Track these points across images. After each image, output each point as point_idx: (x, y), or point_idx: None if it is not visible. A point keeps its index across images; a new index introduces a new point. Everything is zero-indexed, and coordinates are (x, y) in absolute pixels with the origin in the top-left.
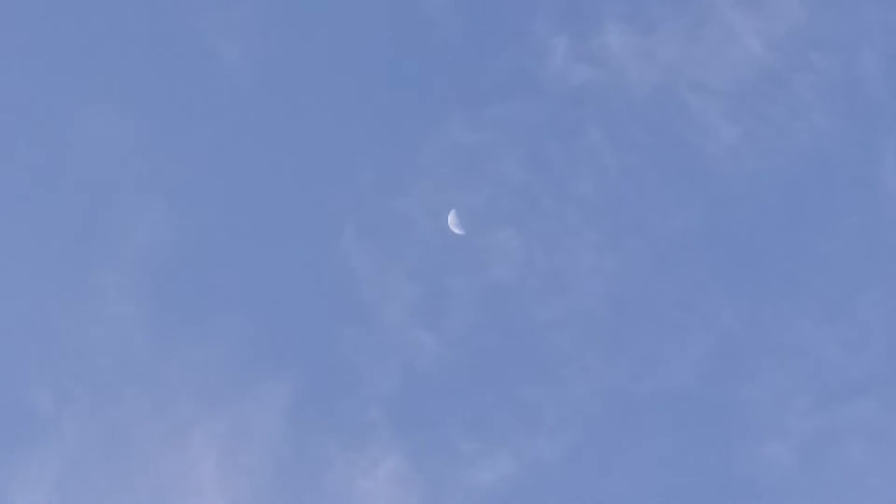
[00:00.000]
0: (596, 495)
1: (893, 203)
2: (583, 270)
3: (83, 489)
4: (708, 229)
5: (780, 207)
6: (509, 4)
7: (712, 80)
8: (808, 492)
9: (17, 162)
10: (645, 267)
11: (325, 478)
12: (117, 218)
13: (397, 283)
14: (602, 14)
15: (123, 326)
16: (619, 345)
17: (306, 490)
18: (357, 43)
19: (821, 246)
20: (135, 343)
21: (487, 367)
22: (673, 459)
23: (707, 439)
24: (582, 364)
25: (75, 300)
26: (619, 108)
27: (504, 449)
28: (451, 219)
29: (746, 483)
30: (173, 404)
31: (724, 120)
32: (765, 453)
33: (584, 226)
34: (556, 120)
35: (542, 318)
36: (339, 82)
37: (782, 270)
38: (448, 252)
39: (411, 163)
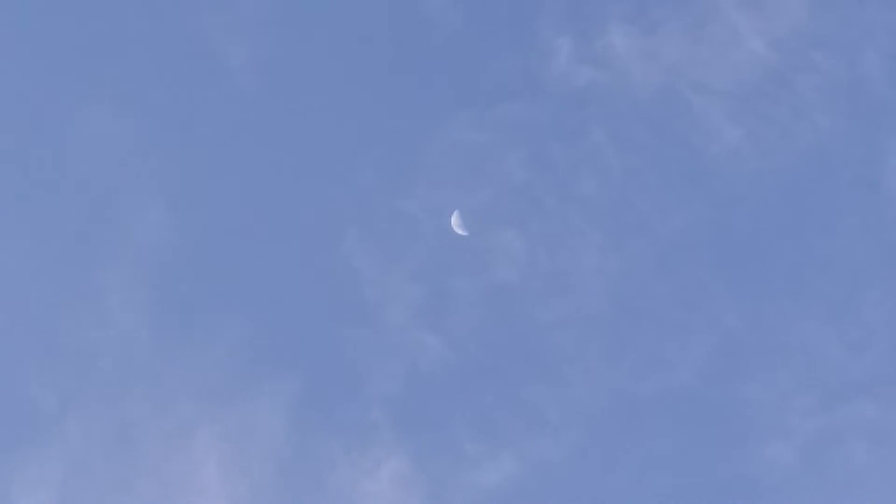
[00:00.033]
0: (599, 495)
1: None
2: (586, 271)
3: (86, 490)
4: (711, 229)
5: (783, 207)
6: (512, 5)
7: (715, 80)
8: (810, 492)
9: (19, 162)
10: (648, 267)
11: (329, 479)
12: (120, 219)
13: (400, 284)
14: (605, 15)
15: (126, 327)
16: (622, 345)
17: (309, 491)
18: (359, 43)
19: (824, 246)
20: (137, 344)
21: (491, 367)
22: (676, 459)
23: (709, 439)
24: (585, 364)
25: (78, 301)
26: (622, 108)
27: (507, 449)
28: (454, 219)
29: (749, 483)
30: (176, 405)
31: (727, 120)
32: (767, 453)
33: (588, 226)
34: (560, 120)
35: (545, 318)
36: (341, 83)
37: (785, 270)
38: (451, 253)
39: (414, 163)
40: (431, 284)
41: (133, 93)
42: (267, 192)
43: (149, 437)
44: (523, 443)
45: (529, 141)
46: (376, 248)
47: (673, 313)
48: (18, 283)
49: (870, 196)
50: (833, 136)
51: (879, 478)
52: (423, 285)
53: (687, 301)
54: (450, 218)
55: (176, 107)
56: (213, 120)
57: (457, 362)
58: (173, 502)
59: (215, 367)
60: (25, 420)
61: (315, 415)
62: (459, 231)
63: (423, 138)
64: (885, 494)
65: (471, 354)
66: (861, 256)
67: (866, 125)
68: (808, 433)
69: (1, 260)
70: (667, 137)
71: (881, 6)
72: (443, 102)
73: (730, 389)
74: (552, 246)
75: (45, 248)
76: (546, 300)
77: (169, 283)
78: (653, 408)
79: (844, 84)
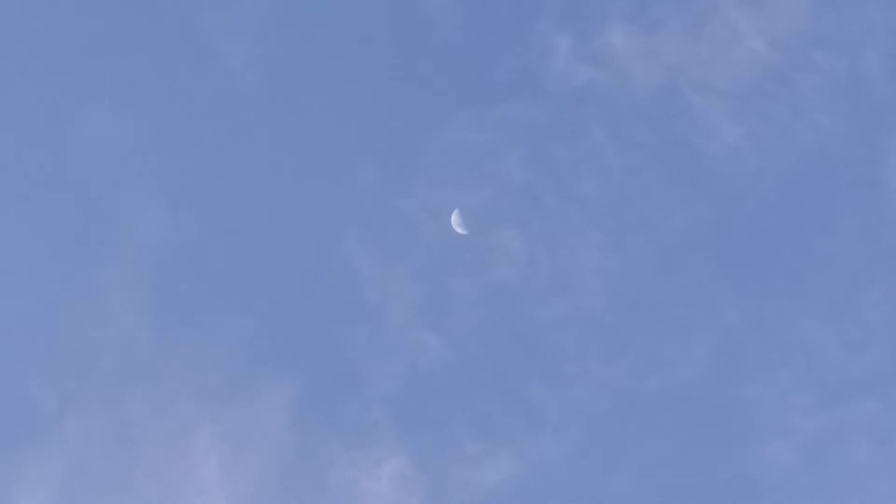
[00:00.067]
0: (600, 495)
1: None
2: (586, 270)
3: (86, 489)
4: (711, 229)
5: (784, 207)
6: (512, 4)
7: (715, 79)
8: (811, 491)
9: (19, 162)
10: (648, 266)
11: (329, 478)
12: (120, 218)
13: (400, 284)
14: (605, 14)
15: (126, 327)
16: (622, 344)
17: (310, 491)
18: (359, 43)
19: (824, 245)
20: (138, 343)
21: (491, 366)
22: (676, 458)
23: (710, 438)
24: (585, 363)
25: (78, 301)
26: (622, 107)
27: (507, 449)
28: (454, 219)
29: (749, 482)
30: (176, 405)
31: (727, 119)
32: (768, 452)
33: (588, 225)
34: (559, 120)
35: (545, 317)
36: (341, 82)
37: (785, 270)
38: (451, 252)
39: (414, 163)
40: (431, 284)
41: (133, 92)
42: (267, 191)
43: (149, 436)
44: (523, 442)
45: (529, 140)
46: (376, 248)
47: (673, 312)
48: (18, 282)
49: (870, 195)
50: (833, 136)
51: (880, 477)
52: (423, 285)
53: (687, 300)
54: (450, 217)
55: (176, 106)
56: (213, 120)
57: (457, 362)
58: (174, 502)
59: (215, 367)
60: (26, 420)
61: (315, 414)
62: (459, 230)
63: (423, 138)
64: (885, 493)
65: (471, 354)
66: (861, 256)
67: (866, 124)
68: (809, 432)
69: (1, 260)
70: (667, 137)
71: (881, 5)
72: (442, 102)
73: (730, 389)
74: (552, 245)
75: (45, 248)
76: (546, 299)
77: (169, 283)
78: (653, 407)
79: (845, 83)
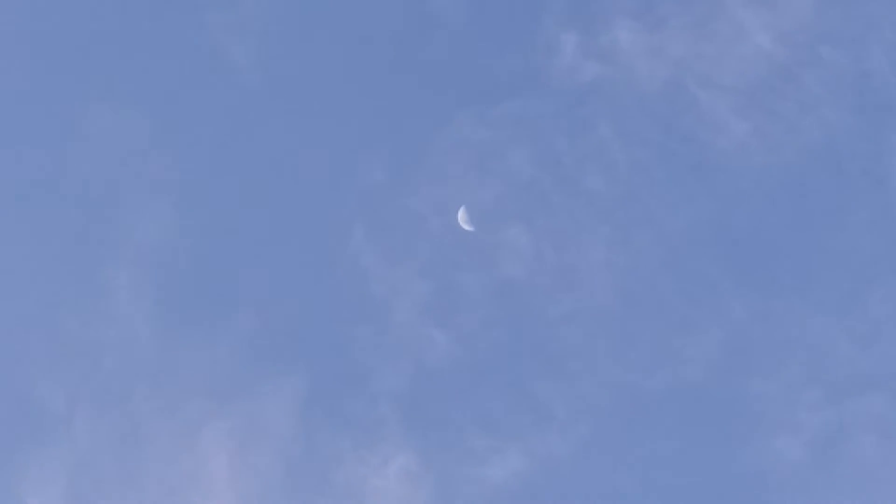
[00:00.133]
0: (607, 490)
1: None
2: (593, 266)
3: (93, 488)
4: (718, 224)
5: (790, 202)
6: (518, 1)
7: (722, 75)
8: (818, 486)
9: (23, 161)
10: (655, 262)
11: (336, 475)
12: (125, 217)
13: (407, 281)
14: (611, 10)
15: (132, 326)
16: (629, 340)
17: (317, 488)
18: (365, 41)
19: (831, 240)
20: (144, 342)
21: (497, 363)
22: (683, 454)
23: (717, 434)
24: (592, 359)
25: (84, 300)
26: (628, 104)
27: (514, 445)
28: (461, 216)
29: (757, 477)
30: (183, 403)
31: (733, 115)
32: (775, 447)
33: (594, 221)
34: (566, 116)
35: (552, 313)
36: (346, 80)
37: (792, 265)
38: (458, 249)
39: (420, 160)
40: (438, 281)
41: (138, 91)
42: (273, 189)
43: (156, 435)
44: (530, 438)
45: (536, 137)
46: (383, 245)
47: (680, 308)
48: (24, 282)
49: (877, 191)
50: (840, 131)
51: (887, 471)
52: (429, 281)
53: (694, 296)
54: (456, 214)
55: (181, 105)
56: (218, 118)
57: (464, 358)
58: (180, 500)
59: (222, 365)
60: (32, 419)
61: (322, 412)
62: (466, 227)
63: (430, 135)
64: (893, 488)
65: (478, 350)
66: (868, 251)
67: (873, 119)
68: (816, 427)
69: (7, 260)
70: (673, 132)
71: (887, 0)
72: (449, 99)
73: (737, 384)
74: (559, 241)
75: (50, 248)
76: (553, 295)
77: (175, 282)
78: (660, 403)
79: (851, 78)
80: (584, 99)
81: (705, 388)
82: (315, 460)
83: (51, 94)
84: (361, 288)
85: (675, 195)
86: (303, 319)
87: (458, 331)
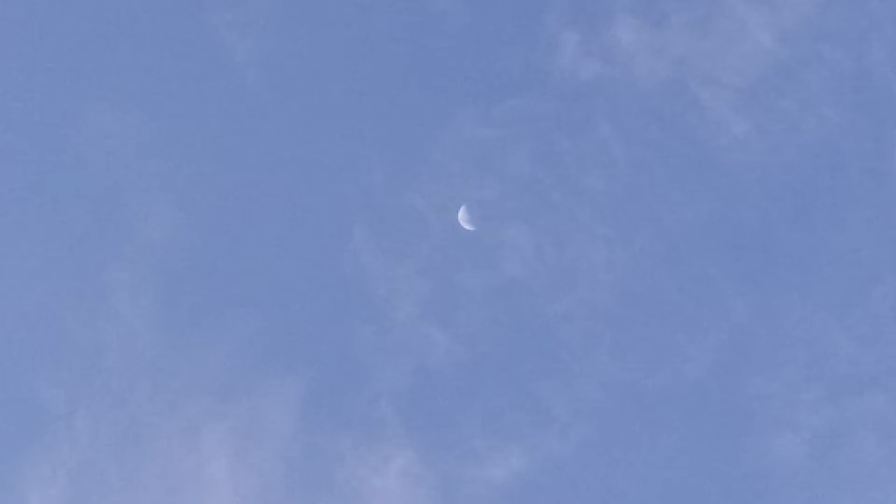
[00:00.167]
0: (609, 490)
1: None
2: (593, 265)
3: (94, 487)
4: (719, 223)
5: (791, 201)
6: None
7: (723, 73)
8: (819, 485)
9: (24, 160)
10: (656, 261)
11: (337, 475)
12: (126, 216)
13: (407, 280)
14: (612, 8)
15: (133, 324)
16: (630, 339)
17: (318, 487)
18: (365, 39)
19: (832, 239)
20: (145, 341)
21: (499, 362)
22: (684, 453)
23: (718, 433)
24: (593, 359)
25: (86, 298)
26: (629, 102)
27: (516, 445)
28: (461, 214)
29: (758, 477)
30: (184, 402)
31: (734, 114)
32: (776, 447)
33: (595, 220)
34: (567, 115)
35: (553, 313)
36: (347, 78)
37: (793, 264)
38: (458, 248)
39: (420, 159)
40: (439, 280)
41: (141, 89)
42: (273, 188)
43: (157, 434)
44: (532, 438)
45: (536, 135)
46: (383, 244)
47: (681, 307)
48: (25, 281)
49: (878, 189)
50: (841, 129)
51: (888, 471)
52: (430, 281)
53: (695, 295)
54: (457, 213)
55: (182, 103)
56: (219, 116)
57: (465, 358)
58: (182, 499)
59: (223, 364)
60: (33, 418)
61: (323, 411)
62: (466, 226)
63: (430, 133)
64: (894, 487)
65: (479, 350)
66: (869, 250)
67: (874, 118)
68: (817, 427)
69: (8, 258)
70: (674, 131)
71: None
72: (449, 97)
73: (738, 383)
74: (560, 240)
75: (51, 247)
76: (554, 295)
77: (176, 281)
78: (661, 402)
79: (852, 77)
80: (584, 97)
81: (706, 387)
82: (315, 460)
83: (51, 92)
84: (362, 287)
85: (676, 194)
86: (303, 319)
87: (458, 330)
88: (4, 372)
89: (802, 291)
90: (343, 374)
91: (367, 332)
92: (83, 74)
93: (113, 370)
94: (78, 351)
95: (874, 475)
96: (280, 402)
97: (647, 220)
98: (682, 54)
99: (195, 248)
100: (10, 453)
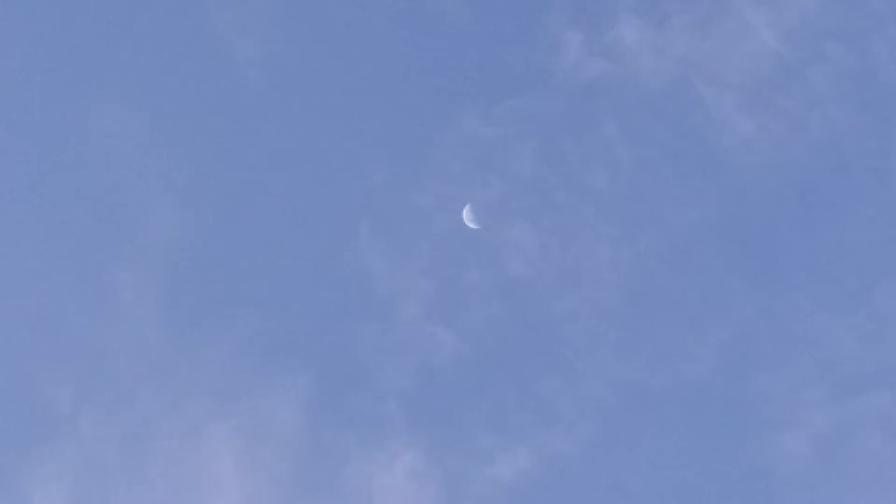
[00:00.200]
0: (614, 489)
1: None
2: (598, 264)
3: (100, 486)
4: (723, 222)
5: (796, 199)
6: None
7: (727, 72)
8: (824, 484)
9: (28, 159)
10: (660, 260)
11: (343, 473)
12: (130, 215)
13: (412, 279)
14: (615, 7)
15: (138, 324)
16: (635, 338)
17: (323, 486)
18: (368, 37)
19: (836, 237)
20: (149, 340)
21: (504, 361)
22: (689, 452)
23: (723, 431)
24: (598, 358)
25: (89, 298)
26: (633, 101)
27: (521, 443)
28: (466, 213)
29: (763, 474)
30: (189, 401)
31: (738, 112)
32: (781, 445)
33: (599, 219)
34: (570, 114)
35: (557, 312)
36: (350, 77)
37: (798, 262)
38: (463, 247)
39: (424, 158)
40: (443, 279)
41: (145, 88)
42: (276, 187)
43: (162, 433)
44: (537, 437)
45: (540, 134)
46: (387, 243)
47: (685, 306)
48: (30, 281)
49: (882, 187)
50: (845, 128)
51: (893, 469)
52: (434, 280)
53: (699, 294)
54: (461, 212)
55: (185, 103)
56: (221, 115)
57: (470, 356)
58: (187, 498)
59: (228, 363)
60: (39, 417)
61: (328, 410)
62: (471, 225)
63: (434, 133)
64: None
65: (484, 348)
66: (874, 247)
67: (878, 117)
68: (822, 425)
69: (13, 258)
70: (678, 130)
71: None
72: (453, 96)
73: (743, 382)
74: (564, 239)
75: (55, 247)
76: (558, 294)
77: (181, 280)
78: (666, 401)
79: (856, 76)
80: (588, 96)
81: (711, 385)
82: (321, 459)
83: (54, 92)
84: (366, 286)
85: (680, 193)
86: (308, 318)
87: (463, 329)
88: (9, 372)
89: (807, 290)
90: (348, 373)
91: (371, 331)
92: (86, 74)
93: (117, 370)
94: (82, 351)
95: (879, 473)
96: (285, 401)
97: (652, 219)
98: (686, 53)
99: (199, 248)
100: (15, 453)
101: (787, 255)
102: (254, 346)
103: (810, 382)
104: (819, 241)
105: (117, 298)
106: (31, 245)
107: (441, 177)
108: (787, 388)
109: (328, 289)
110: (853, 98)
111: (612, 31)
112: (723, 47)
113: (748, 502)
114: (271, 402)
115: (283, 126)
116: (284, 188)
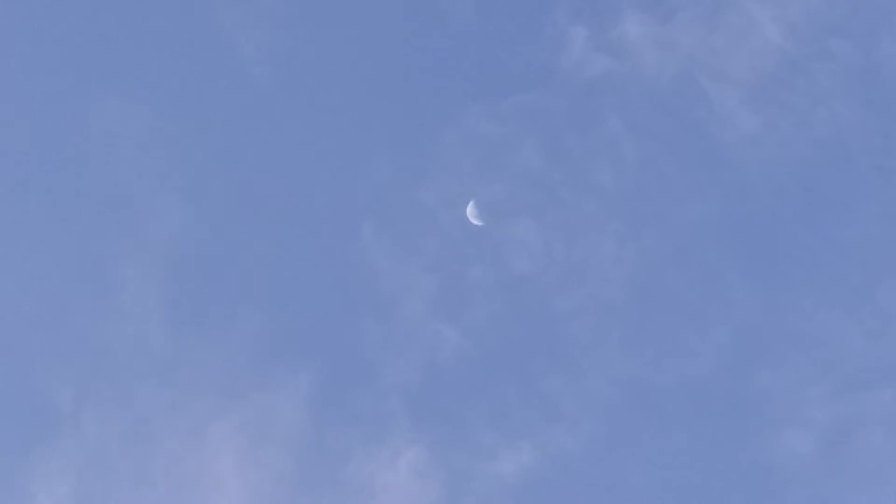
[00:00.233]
0: (617, 486)
1: None
2: (602, 261)
3: (102, 484)
4: (727, 218)
5: (800, 196)
6: None
7: (731, 68)
8: (827, 481)
9: (32, 156)
10: (664, 256)
11: (346, 470)
12: (134, 213)
13: (416, 276)
14: (620, 3)
15: (141, 321)
16: (639, 335)
17: (326, 483)
18: (374, 35)
19: (840, 234)
20: (153, 338)
21: (507, 358)
22: (693, 449)
23: (727, 428)
24: (602, 354)
25: (92, 296)
26: (637, 97)
27: (525, 440)
28: (470, 210)
29: (766, 472)
30: (192, 399)
31: (743, 108)
32: (784, 442)
33: (604, 216)
34: (575, 110)
35: (561, 308)
36: (356, 74)
37: (802, 259)
38: (467, 244)
39: (430, 154)
40: (447, 275)
41: (150, 86)
42: (282, 184)
43: (164, 431)
44: (540, 434)
45: (545, 131)
46: (392, 240)
47: (689, 303)
48: (33, 279)
49: (887, 184)
50: (850, 124)
51: None
52: (438, 276)
53: (703, 290)
54: (465, 209)
55: (191, 100)
56: (226, 113)
57: (473, 353)
58: (190, 495)
59: (231, 361)
60: (41, 415)
61: (332, 407)
62: (475, 222)
63: (438, 129)
64: None
65: (487, 345)
66: (878, 244)
67: (883, 112)
68: (826, 422)
69: (16, 256)
70: (683, 126)
71: None
72: (458, 93)
73: (747, 378)
74: (568, 236)
75: (59, 244)
76: (562, 290)
77: (184, 277)
78: (670, 397)
79: (861, 71)
80: (593, 93)
81: (714, 382)
82: (324, 456)
83: (59, 89)
84: (370, 283)
85: (685, 189)
86: (312, 315)
87: (467, 326)
88: (12, 370)
89: (810, 287)
90: (351, 371)
91: (375, 328)
92: (91, 71)
93: (120, 368)
94: (85, 348)
95: (881, 470)
96: (289, 398)
97: (656, 216)
98: (691, 50)
99: (201, 245)
100: (18, 450)
101: (790, 252)
102: (257, 343)
103: (813, 379)
104: (823, 237)
105: (120, 296)
106: (34, 243)
107: (445, 173)
108: (790, 385)
109: (332, 286)
110: (858, 95)
111: (616, 28)
112: (727, 43)
113: (751, 498)
114: (274, 399)
115: (287, 124)
116: (288, 185)
